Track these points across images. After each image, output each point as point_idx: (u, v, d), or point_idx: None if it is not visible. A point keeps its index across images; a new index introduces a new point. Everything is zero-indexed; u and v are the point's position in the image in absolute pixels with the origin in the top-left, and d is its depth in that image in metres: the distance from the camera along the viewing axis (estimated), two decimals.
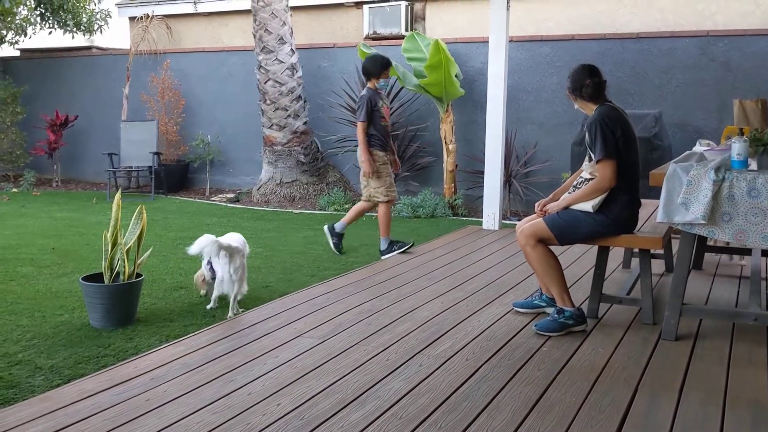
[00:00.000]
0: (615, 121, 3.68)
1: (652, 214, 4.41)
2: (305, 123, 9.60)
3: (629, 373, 3.16)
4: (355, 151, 9.37)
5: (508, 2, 6.71)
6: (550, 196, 4.06)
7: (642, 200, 3.91)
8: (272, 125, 9.46)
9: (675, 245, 5.34)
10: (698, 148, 4.68)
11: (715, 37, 7.83)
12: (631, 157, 3.73)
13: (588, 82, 3.76)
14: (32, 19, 11.28)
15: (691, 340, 3.62)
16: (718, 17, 8.58)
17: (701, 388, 3.00)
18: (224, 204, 9.63)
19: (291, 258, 6.10)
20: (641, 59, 8.09)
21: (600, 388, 3.00)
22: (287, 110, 9.39)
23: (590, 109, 3.81)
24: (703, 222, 3.38)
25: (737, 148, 3.43)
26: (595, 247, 4.07)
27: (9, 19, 10.38)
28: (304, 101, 9.62)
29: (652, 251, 4.00)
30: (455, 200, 8.60)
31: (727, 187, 3.35)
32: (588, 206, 3.73)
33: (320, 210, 8.97)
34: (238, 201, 9.83)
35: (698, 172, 3.39)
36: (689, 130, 7.86)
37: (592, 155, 3.72)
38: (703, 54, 7.85)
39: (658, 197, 3.83)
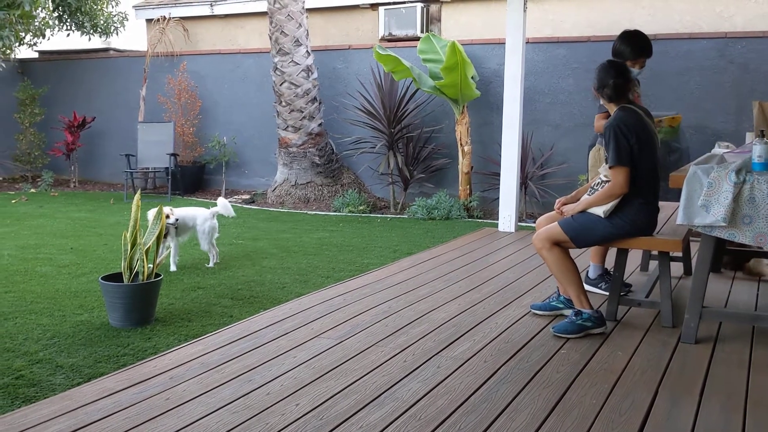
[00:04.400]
0: (631, 127, 3.65)
1: (671, 217, 4.38)
2: (320, 125, 9.62)
3: (649, 377, 3.14)
4: (371, 152, 9.46)
5: (525, 4, 6.69)
6: (573, 194, 4.06)
7: (660, 203, 3.88)
8: (287, 127, 9.49)
9: (693, 248, 5.31)
10: (718, 150, 4.65)
11: (733, 39, 7.77)
12: (648, 162, 3.70)
13: (611, 82, 3.74)
14: (50, 22, 11.39)
15: (711, 343, 3.59)
16: (737, 19, 8.52)
17: (722, 392, 2.98)
18: (239, 205, 9.66)
19: (306, 259, 6.11)
20: (659, 61, 8.02)
21: (620, 391, 2.98)
22: (302, 112, 9.42)
23: (612, 110, 3.80)
24: (724, 224, 3.35)
25: (758, 150, 3.39)
26: (613, 250, 4.05)
27: (28, 21, 10.48)
28: (319, 103, 9.65)
29: (670, 254, 3.97)
30: (470, 202, 8.59)
31: (748, 190, 3.32)
32: (599, 211, 3.72)
33: (335, 211, 8.98)
34: (253, 202, 9.86)
35: (719, 174, 3.37)
36: (707, 133, 7.81)
37: (607, 157, 3.71)
38: (721, 56, 7.80)
39: (676, 199, 3.80)
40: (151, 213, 5.00)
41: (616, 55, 4.50)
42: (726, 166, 3.40)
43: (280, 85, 9.42)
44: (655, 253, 4.88)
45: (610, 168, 3.66)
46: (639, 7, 9.02)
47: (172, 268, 5.58)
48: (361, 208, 8.90)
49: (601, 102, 3.91)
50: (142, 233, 4.30)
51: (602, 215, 3.70)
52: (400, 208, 9.09)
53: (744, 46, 7.70)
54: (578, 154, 8.00)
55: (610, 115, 4.34)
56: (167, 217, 5.40)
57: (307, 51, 9.46)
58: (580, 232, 3.75)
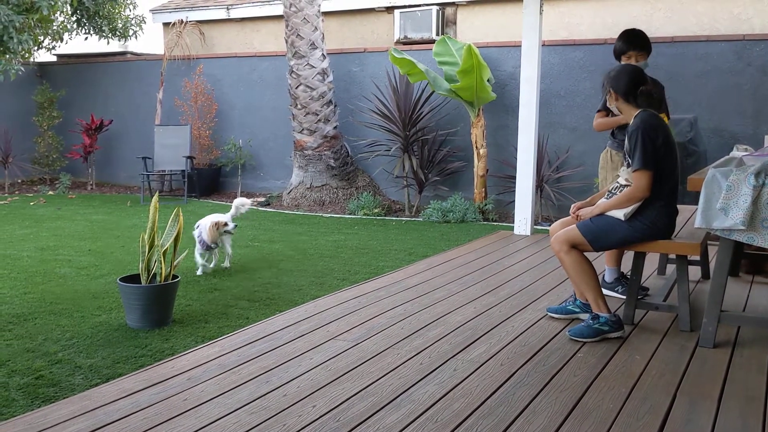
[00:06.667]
0: (657, 130, 3.63)
1: (689, 220, 4.35)
2: (335, 128, 9.65)
3: (667, 381, 3.12)
4: (386, 155, 9.48)
5: (541, 7, 6.67)
6: (588, 199, 4.04)
7: (678, 206, 3.86)
8: (303, 130, 9.53)
9: (711, 252, 5.28)
10: (736, 153, 4.61)
11: (751, 41, 7.71)
12: (670, 165, 3.68)
13: (643, 89, 3.71)
14: (69, 26, 11.50)
15: (729, 347, 3.57)
16: (755, 21, 8.45)
17: (740, 397, 2.95)
18: (255, 207, 9.70)
19: (322, 261, 6.13)
20: (676, 64, 8.00)
21: (637, 395, 2.97)
22: (318, 115, 9.45)
23: (630, 114, 3.77)
24: (743, 228, 3.33)
25: None
26: (631, 253, 4.03)
27: (46, 25, 10.59)
28: (335, 106, 9.67)
29: (688, 257, 3.95)
30: (486, 205, 8.57)
31: (767, 193, 3.30)
32: (620, 214, 3.70)
33: (350, 214, 9.00)
34: (268, 205, 9.90)
35: (737, 177, 3.34)
36: (725, 136, 7.75)
37: (630, 161, 3.68)
38: (739, 58, 7.74)
39: (694, 203, 3.78)
40: (209, 219, 5.48)
41: (615, 53, 4.54)
42: (745, 169, 3.38)
43: (296, 88, 9.46)
44: (672, 256, 4.86)
45: (633, 171, 3.63)
46: (655, 9, 8.98)
47: (199, 272, 5.63)
48: (376, 210, 8.91)
49: (613, 105, 3.83)
50: (159, 235, 4.34)
51: (623, 218, 3.68)
52: (415, 211, 9.09)
53: (762, 48, 7.64)
54: (594, 157, 7.91)
55: (609, 114, 4.41)
56: (225, 225, 5.48)
57: (322, 54, 9.50)
58: (599, 236, 3.73)
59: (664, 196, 3.69)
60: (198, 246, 5.60)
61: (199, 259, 5.64)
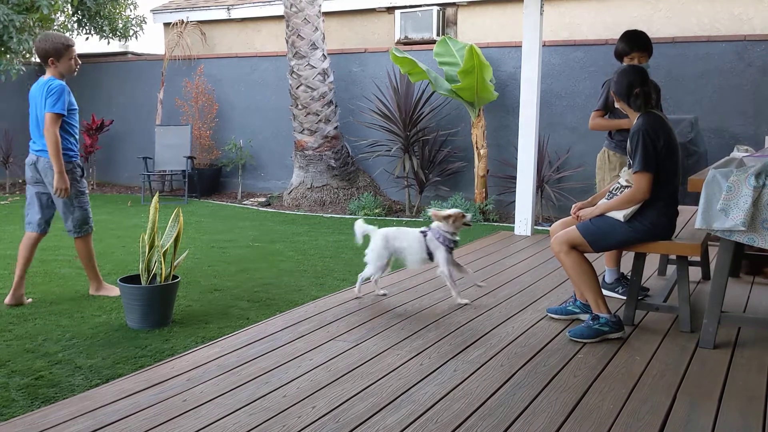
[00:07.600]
0: (659, 131, 3.63)
1: (689, 221, 4.35)
2: (336, 128, 9.65)
3: (667, 381, 3.12)
4: (386, 155, 9.47)
5: (541, 7, 6.67)
6: (590, 199, 4.04)
7: (678, 206, 3.85)
8: (303, 130, 9.53)
9: (711, 252, 5.28)
10: (737, 153, 4.61)
11: (752, 42, 7.71)
12: (671, 166, 3.68)
13: (638, 91, 3.70)
14: (69, 26, 11.49)
15: (729, 348, 3.56)
16: (755, 22, 8.45)
17: (741, 397, 2.95)
18: (256, 208, 9.71)
19: (322, 262, 6.13)
20: (677, 64, 7.99)
21: (638, 395, 2.97)
22: (318, 115, 9.45)
23: (633, 115, 3.77)
24: (743, 229, 3.32)
25: None
26: (631, 254, 4.03)
27: (47, 24, 10.59)
28: (335, 106, 9.68)
29: (688, 258, 3.94)
30: (486, 205, 8.57)
31: (767, 194, 3.29)
32: (619, 215, 3.70)
33: (350, 214, 9.00)
34: (269, 205, 9.90)
35: (738, 178, 3.34)
36: (725, 136, 7.75)
37: (632, 162, 3.68)
38: (740, 59, 7.74)
39: (694, 203, 3.77)
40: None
41: (617, 54, 4.55)
42: (745, 169, 3.37)
43: (297, 88, 9.46)
44: (673, 257, 4.86)
45: (634, 173, 3.63)
46: (656, 9, 8.97)
47: (462, 300, 4.50)
48: (376, 211, 8.91)
49: (618, 105, 3.88)
50: (159, 235, 4.34)
51: (622, 219, 3.68)
52: (416, 211, 9.09)
53: (763, 48, 7.63)
54: (594, 158, 7.93)
55: (605, 113, 4.50)
56: (463, 216, 4.54)
57: (323, 54, 9.50)
58: (599, 237, 3.73)
59: (665, 197, 3.69)
60: (445, 250, 4.47)
61: (449, 271, 4.49)
